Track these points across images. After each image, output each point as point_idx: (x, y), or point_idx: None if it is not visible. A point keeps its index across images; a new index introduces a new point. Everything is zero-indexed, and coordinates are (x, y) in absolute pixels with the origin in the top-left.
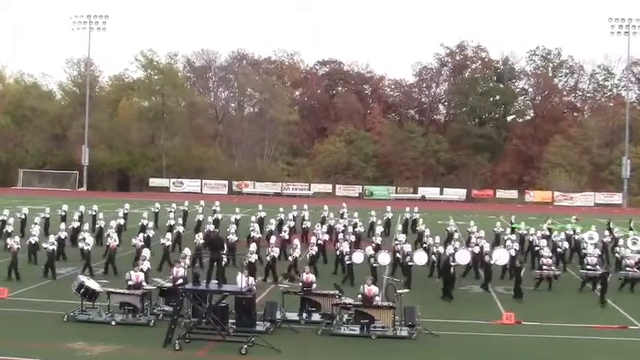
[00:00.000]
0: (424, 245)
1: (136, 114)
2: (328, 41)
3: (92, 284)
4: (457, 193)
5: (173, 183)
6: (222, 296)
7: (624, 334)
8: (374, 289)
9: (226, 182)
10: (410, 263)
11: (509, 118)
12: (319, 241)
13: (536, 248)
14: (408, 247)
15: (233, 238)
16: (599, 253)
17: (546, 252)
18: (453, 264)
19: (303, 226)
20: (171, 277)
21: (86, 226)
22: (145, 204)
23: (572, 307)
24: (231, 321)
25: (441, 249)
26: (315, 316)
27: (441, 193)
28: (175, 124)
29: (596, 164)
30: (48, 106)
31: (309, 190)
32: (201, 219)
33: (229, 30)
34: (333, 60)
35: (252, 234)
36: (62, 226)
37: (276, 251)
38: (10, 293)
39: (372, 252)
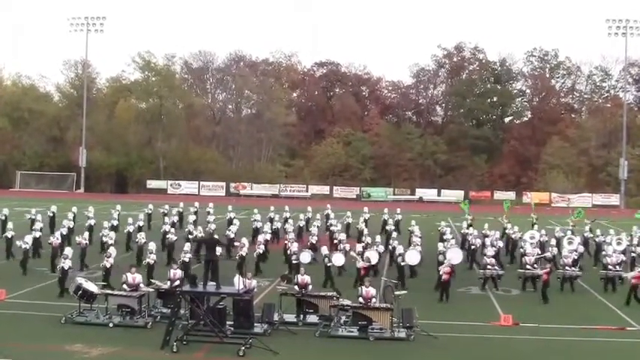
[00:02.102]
0: (362, 244)
1: (133, 116)
2: (325, 43)
3: (90, 286)
4: (455, 195)
5: (171, 185)
6: (219, 298)
7: (623, 336)
8: (372, 290)
9: (224, 184)
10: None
11: (506, 120)
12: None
13: (472, 247)
14: (358, 247)
15: (172, 237)
16: (539, 252)
17: (489, 251)
18: (403, 264)
19: (273, 227)
20: (169, 278)
21: (37, 225)
22: (143, 205)
23: (570, 308)
24: (228, 323)
25: (381, 248)
26: (313, 318)
27: (439, 194)
28: (173, 126)
29: (594, 165)
30: (45, 107)
31: (307, 191)
32: (175, 220)
33: (226, 32)
34: (331, 61)
35: (195, 232)
36: (10, 225)
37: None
38: (7, 295)
39: (327, 252)
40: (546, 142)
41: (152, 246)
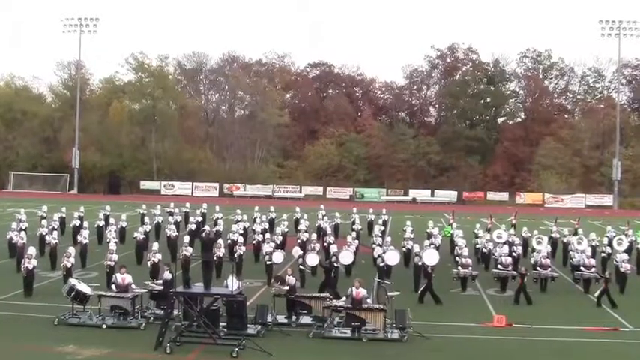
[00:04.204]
0: (325, 244)
1: (126, 117)
2: (319, 44)
3: (83, 287)
4: (448, 196)
5: (164, 186)
6: (213, 299)
7: (616, 336)
8: (362, 291)
9: (217, 185)
10: (336, 264)
11: (499, 120)
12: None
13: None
14: (334, 248)
15: (141, 235)
16: (507, 252)
17: (464, 251)
18: (382, 264)
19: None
20: (162, 279)
21: (14, 225)
22: (136, 206)
23: (563, 309)
24: (222, 324)
25: (352, 247)
26: (306, 319)
27: (432, 195)
28: (166, 127)
29: (587, 166)
30: (39, 108)
31: (300, 192)
32: (160, 221)
33: (220, 33)
34: (324, 62)
35: (169, 232)
36: None
37: (189, 250)
38: (0, 296)
39: (301, 252)
40: (539, 142)
41: (71, 250)
